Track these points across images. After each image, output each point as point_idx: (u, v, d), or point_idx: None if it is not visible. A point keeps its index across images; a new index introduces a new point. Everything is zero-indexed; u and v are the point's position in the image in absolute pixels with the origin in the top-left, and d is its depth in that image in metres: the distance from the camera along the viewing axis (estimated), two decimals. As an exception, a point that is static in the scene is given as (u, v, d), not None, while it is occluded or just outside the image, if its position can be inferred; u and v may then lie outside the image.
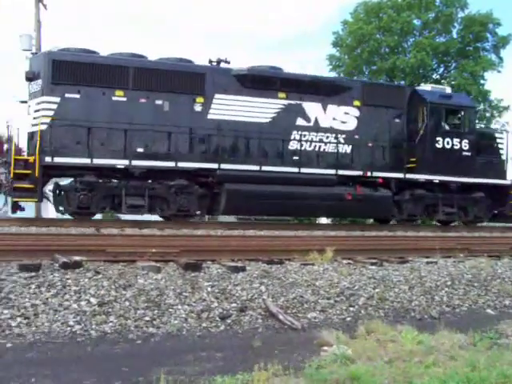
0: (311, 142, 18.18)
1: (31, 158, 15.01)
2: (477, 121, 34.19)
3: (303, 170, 17.74)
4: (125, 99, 16.19)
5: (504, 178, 20.70)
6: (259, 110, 17.57)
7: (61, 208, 16.12)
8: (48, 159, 15.08)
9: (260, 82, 17.65)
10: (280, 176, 17.34)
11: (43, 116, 15.36)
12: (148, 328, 6.30)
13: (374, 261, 9.56)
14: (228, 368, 5.01)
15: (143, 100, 16.36)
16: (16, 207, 15.63)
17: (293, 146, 17.95)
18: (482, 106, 35.23)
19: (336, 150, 18.40)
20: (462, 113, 20.25)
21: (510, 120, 34.12)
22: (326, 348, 5.62)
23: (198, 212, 17.34)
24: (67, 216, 16.55)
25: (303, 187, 17.47)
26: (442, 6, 34.41)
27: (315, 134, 18.25)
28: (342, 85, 19.11)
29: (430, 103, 19.44)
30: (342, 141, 18.55)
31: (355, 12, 35.73)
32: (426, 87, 21.65)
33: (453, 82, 33.93)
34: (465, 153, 19.94)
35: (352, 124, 18.79)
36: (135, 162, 15.94)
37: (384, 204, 18.85)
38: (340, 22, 36.63)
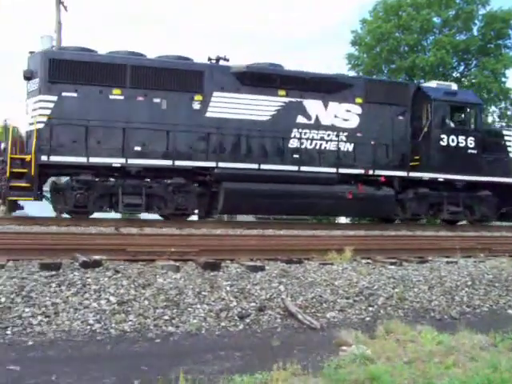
0: (312, 140, 17.91)
1: (28, 157, 15.00)
2: (497, 119, 33.97)
3: (303, 169, 17.48)
4: (122, 97, 16.11)
5: None
6: (258, 107, 17.37)
7: (59, 207, 16.11)
8: (44, 158, 15.11)
9: (259, 79, 17.45)
10: (279, 174, 17.12)
11: (40, 115, 15.38)
12: (167, 327, 6.33)
13: (393, 260, 9.50)
14: (247, 367, 5.02)
15: (141, 98, 16.27)
16: (15, 206, 15.71)
17: (293, 144, 17.71)
18: (503, 105, 34.88)
19: (337, 148, 18.15)
20: (468, 110, 19.80)
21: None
22: (344, 348, 5.60)
23: (197, 211, 17.21)
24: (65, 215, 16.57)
25: (303, 186, 17.23)
26: (463, 3, 33.99)
27: (316, 131, 17.98)
28: (343, 82, 18.70)
29: (434, 100, 19.09)
30: (344, 139, 18.27)
31: (374, 11, 35.55)
32: (430, 84, 21.28)
33: (473, 80, 33.63)
34: (470, 150, 19.49)
35: (354, 121, 18.48)
36: (132, 161, 15.84)
37: (386, 203, 18.52)
38: (359, 21, 36.53)
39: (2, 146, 15.75)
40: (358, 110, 18.54)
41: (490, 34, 33.80)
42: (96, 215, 16.56)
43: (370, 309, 7.56)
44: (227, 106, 17.03)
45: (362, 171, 18.24)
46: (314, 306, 7.35)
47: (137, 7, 79.97)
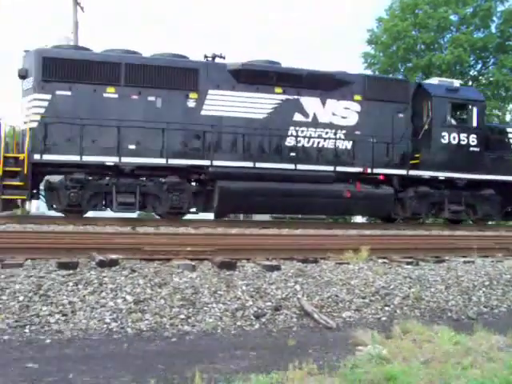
0: (309, 137, 17.73)
1: (21, 156, 15.03)
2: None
3: (299, 167, 17.26)
4: (116, 96, 16.07)
5: None
6: (255, 105, 17.22)
7: (53, 205, 16.10)
8: (37, 157, 15.09)
9: (255, 76, 17.29)
10: (275, 173, 16.93)
11: (34, 113, 15.41)
12: (183, 326, 6.35)
13: (409, 260, 9.46)
14: (262, 367, 5.02)
15: (135, 96, 16.21)
16: (11, 205, 15.74)
17: (290, 142, 17.53)
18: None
19: (335, 146, 17.94)
20: (470, 106, 19.37)
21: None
22: (360, 348, 5.58)
23: (193, 209, 17.10)
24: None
25: (299, 184, 17.04)
26: (481, 0, 33.75)
27: (313, 129, 17.78)
28: (342, 79, 18.39)
29: (434, 97, 18.83)
30: (342, 136, 18.06)
31: (390, 9, 35.37)
32: (432, 81, 21.04)
33: (491, 79, 33.34)
34: (473, 148, 19.20)
35: (352, 119, 18.25)
36: (125, 159, 15.77)
37: (386, 202, 18.25)
38: (375, 20, 36.37)
39: None
40: (357, 107, 18.31)
41: (508, 32, 33.47)
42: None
43: (387, 308, 7.53)
44: (223, 103, 16.92)
45: (360, 169, 18.01)
46: (330, 306, 7.33)
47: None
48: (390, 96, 18.63)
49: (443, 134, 18.91)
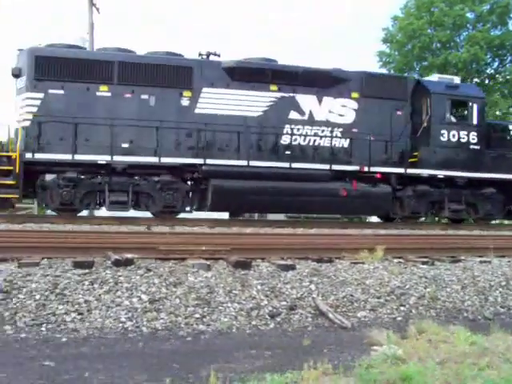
0: (305, 136, 17.55)
1: (14, 155, 15.05)
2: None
3: (294, 165, 17.07)
4: (109, 94, 16.06)
5: None
6: (249, 103, 17.10)
7: (46, 204, 16.14)
8: (29, 155, 15.11)
9: (250, 74, 17.16)
10: (270, 171, 16.79)
11: (26, 112, 15.44)
12: (198, 325, 6.36)
13: (425, 260, 9.40)
14: (277, 366, 5.02)
15: (128, 95, 16.19)
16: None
17: (285, 140, 17.39)
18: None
19: (331, 145, 17.73)
20: (470, 104, 19.01)
21: None
22: (376, 348, 5.56)
23: (188, 208, 17.01)
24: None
25: (294, 183, 16.86)
26: (498, -4, 33.43)
27: (310, 127, 17.61)
28: (338, 76, 18.06)
29: (433, 94, 18.53)
30: (339, 134, 17.85)
31: (406, 8, 35.20)
32: (431, 78, 20.77)
33: (508, 77, 33.10)
34: (473, 146, 18.86)
35: (350, 117, 18.04)
36: (117, 158, 15.72)
37: (383, 200, 18.00)
38: (390, 18, 36.23)
39: None
40: (354, 104, 18.12)
41: (526, 29, 33.14)
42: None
43: (402, 308, 7.49)
44: (217, 101, 16.83)
45: (356, 168, 17.79)
46: (345, 305, 7.31)
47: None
48: (388, 93, 18.38)
49: (442, 131, 18.62)
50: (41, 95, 15.60)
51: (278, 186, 16.73)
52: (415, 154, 18.44)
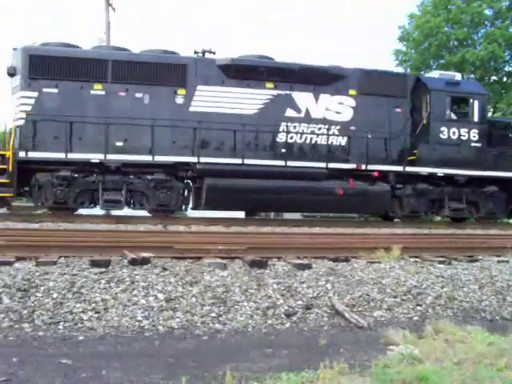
0: (301, 134, 17.37)
1: (7, 153, 15.11)
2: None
3: (289, 164, 16.91)
4: (103, 93, 16.06)
5: None
6: (245, 101, 16.96)
7: (39, 203, 16.16)
8: (22, 154, 15.17)
9: (246, 71, 17.01)
10: (265, 170, 16.64)
11: (20, 111, 15.49)
12: (214, 324, 6.37)
13: (442, 259, 9.34)
14: (293, 365, 5.01)
15: (122, 93, 16.17)
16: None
17: (281, 138, 17.22)
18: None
19: (328, 143, 17.52)
20: (471, 100, 18.63)
21: None
22: (392, 347, 5.53)
23: (183, 207, 16.98)
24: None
25: (290, 181, 16.68)
26: (518, -7, 33.03)
27: (306, 125, 17.41)
28: (335, 73, 17.87)
29: (432, 90, 18.21)
30: (336, 132, 17.63)
31: (422, 5, 34.95)
32: (432, 74, 20.46)
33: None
34: (474, 144, 18.50)
35: (347, 114, 17.81)
36: (110, 156, 15.68)
37: (381, 199, 17.72)
38: (407, 16, 35.99)
39: None
40: (352, 102, 17.90)
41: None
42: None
43: (418, 308, 7.44)
44: (212, 99, 16.73)
45: (353, 166, 17.56)
46: (361, 305, 7.29)
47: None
48: (386, 90, 18.12)
49: (442, 128, 18.29)
50: (35, 94, 15.66)
51: (273, 185, 16.58)
52: (414, 151, 18.19)
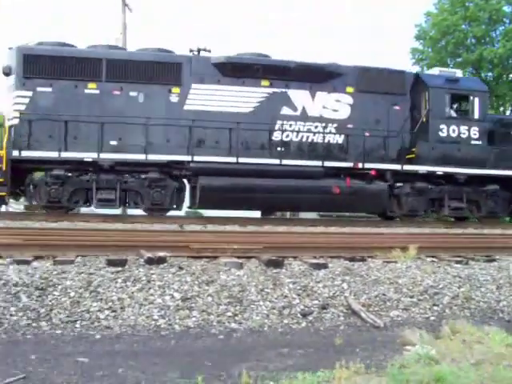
0: (298, 132, 17.20)
1: (1, 152, 15.11)
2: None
3: (285, 162, 16.72)
4: (97, 92, 16.04)
5: None
6: (240, 99, 16.82)
7: (34, 202, 16.21)
8: (15, 153, 15.19)
9: (241, 69, 16.89)
10: (260, 168, 16.44)
11: (14, 110, 15.52)
12: (230, 323, 6.38)
13: (459, 259, 9.27)
14: (309, 365, 5.00)
15: (117, 92, 16.15)
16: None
17: (277, 136, 17.05)
18: None
19: (325, 141, 17.32)
20: (471, 98, 18.34)
21: None
22: (408, 347, 5.50)
23: (176, 205, 16.82)
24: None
25: (285, 180, 16.50)
26: (538, -12, 32.61)
27: (302, 123, 17.21)
28: (332, 71, 17.64)
29: (431, 88, 17.93)
30: (333, 130, 17.41)
31: (439, 3, 34.68)
32: (432, 71, 20.20)
33: (545, 73, 32.35)
34: (474, 141, 18.20)
35: (344, 112, 17.57)
36: (104, 155, 15.66)
37: (378, 198, 17.44)
38: (423, 14, 35.73)
39: None
40: (349, 99, 17.68)
41: None
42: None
43: (435, 308, 7.40)
44: (207, 98, 16.62)
45: (350, 164, 17.36)
46: (378, 305, 7.26)
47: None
48: (384, 87, 17.87)
49: (441, 126, 18.01)
50: (29, 93, 15.71)
51: (268, 184, 16.43)
52: (413, 149, 17.96)
